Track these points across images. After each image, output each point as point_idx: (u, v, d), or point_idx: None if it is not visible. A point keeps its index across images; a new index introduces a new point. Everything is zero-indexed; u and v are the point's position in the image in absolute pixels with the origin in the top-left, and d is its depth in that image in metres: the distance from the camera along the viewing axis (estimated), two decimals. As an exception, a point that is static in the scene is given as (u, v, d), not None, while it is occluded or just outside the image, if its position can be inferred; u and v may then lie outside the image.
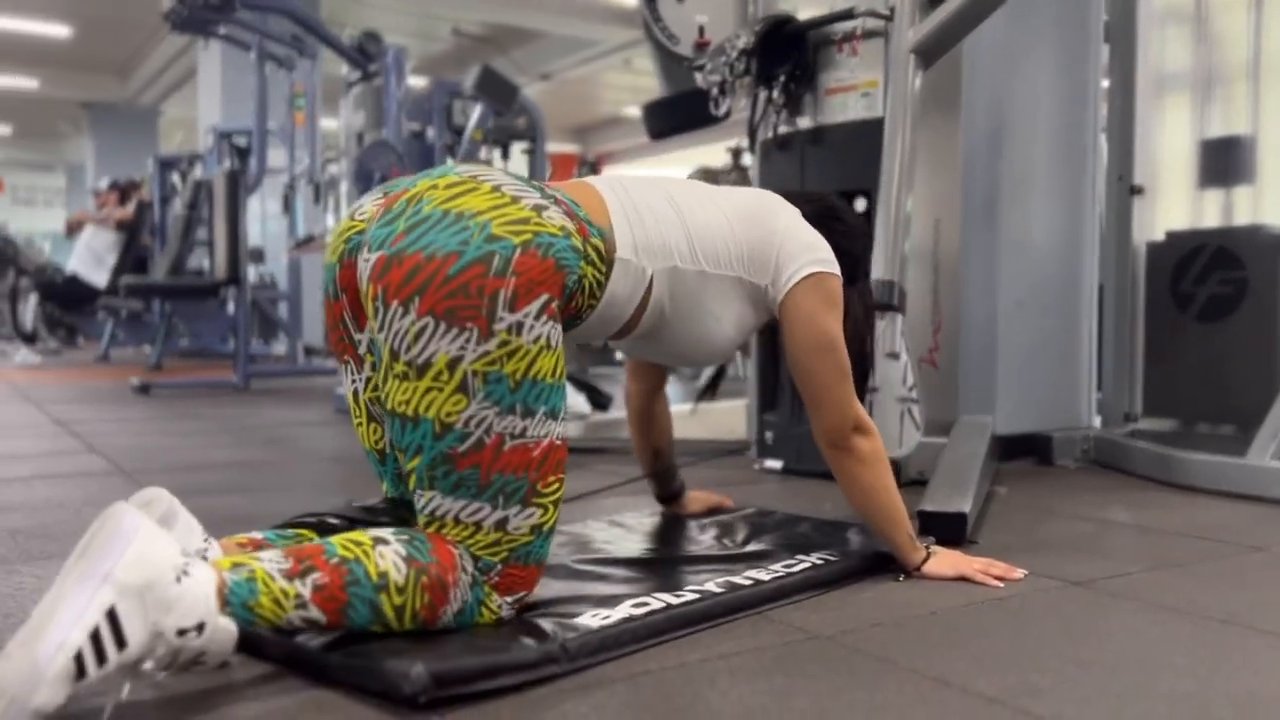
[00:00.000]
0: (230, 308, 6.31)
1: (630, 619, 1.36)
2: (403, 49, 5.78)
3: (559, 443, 1.32)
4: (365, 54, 5.70)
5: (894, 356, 2.13)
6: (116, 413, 4.43)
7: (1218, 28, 3.11)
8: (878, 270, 2.18)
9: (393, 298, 1.23)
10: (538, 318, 1.26)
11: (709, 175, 6.38)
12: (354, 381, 1.44)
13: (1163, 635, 1.43)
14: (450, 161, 5.28)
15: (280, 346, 8.06)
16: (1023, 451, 3.01)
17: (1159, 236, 3.17)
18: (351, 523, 1.41)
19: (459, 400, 1.24)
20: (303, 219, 6.82)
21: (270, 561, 1.14)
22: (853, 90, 2.71)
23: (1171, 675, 1.27)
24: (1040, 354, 3.01)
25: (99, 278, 8.33)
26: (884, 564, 1.73)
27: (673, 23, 3.13)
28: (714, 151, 8.38)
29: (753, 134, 2.92)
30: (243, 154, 7.46)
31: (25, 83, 15.06)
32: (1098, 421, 3.23)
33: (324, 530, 1.41)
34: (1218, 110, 3.12)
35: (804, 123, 2.80)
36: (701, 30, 3.06)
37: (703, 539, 1.84)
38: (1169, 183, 3.18)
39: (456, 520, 1.28)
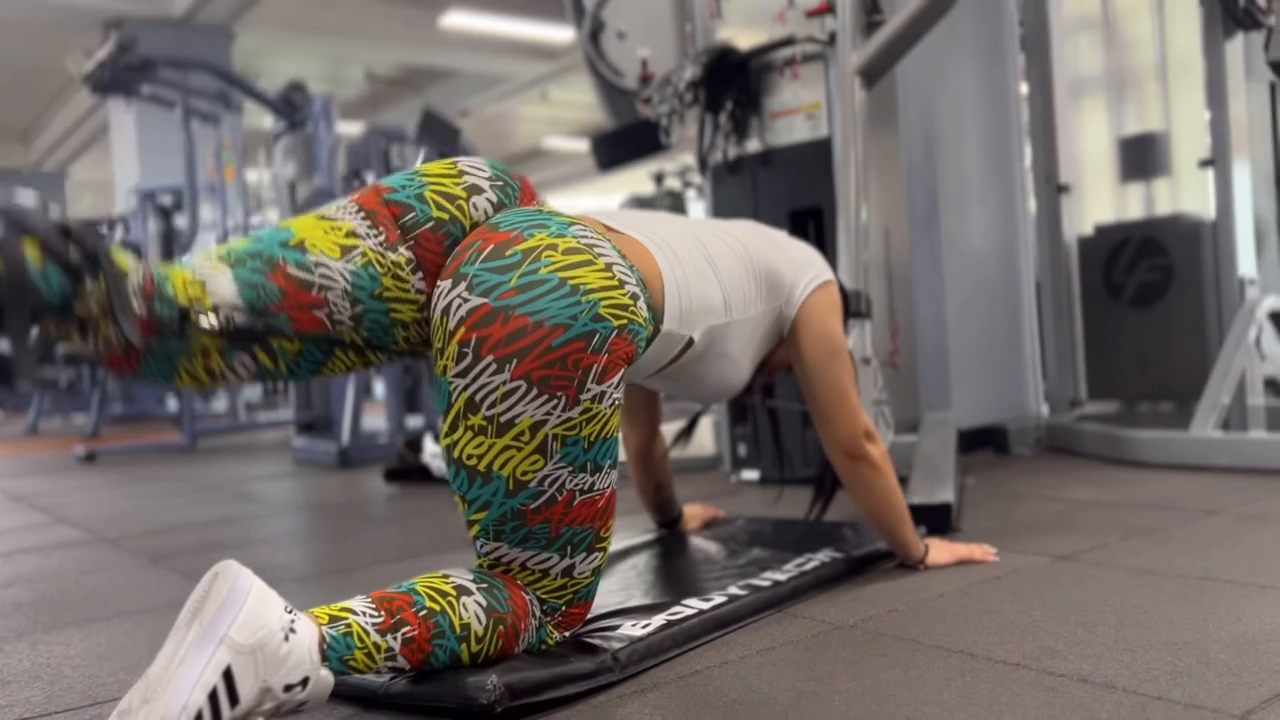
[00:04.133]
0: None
1: (669, 625, 1.44)
2: (329, 96, 5.81)
3: (615, 488, 1.38)
4: (291, 105, 5.73)
5: (865, 362, 2.25)
6: (70, 482, 4.36)
7: (1125, 33, 3.34)
8: (845, 280, 2.30)
9: (488, 352, 1.23)
10: (616, 388, 1.31)
11: (644, 203, 6.50)
12: (367, 235, 1.30)
13: (1152, 596, 1.56)
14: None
15: (220, 404, 7.94)
16: (981, 443, 3.17)
17: (1088, 231, 3.37)
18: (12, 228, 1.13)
19: (536, 460, 1.26)
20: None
21: (364, 615, 1.18)
22: (798, 113, 2.84)
23: (1168, 629, 1.39)
24: (988, 350, 3.18)
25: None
26: (884, 557, 1.83)
27: (616, 59, 3.24)
28: (635, 177, 8.53)
29: (703, 160, 3.04)
30: (167, 213, 7.39)
31: (-77, 153, 14.62)
32: (1046, 409, 3.41)
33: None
34: (1132, 109, 3.34)
35: (753, 146, 2.92)
36: (645, 64, 3.18)
37: (710, 549, 1.92)
38: (1093, 179, 3.39)
39: (523, 567, 1.34)
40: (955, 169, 3.10)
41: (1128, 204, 3.35)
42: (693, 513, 2.18)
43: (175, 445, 5.72)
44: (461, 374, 1.26)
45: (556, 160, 16.59)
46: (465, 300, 1.26)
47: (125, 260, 1.19)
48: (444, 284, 1.30)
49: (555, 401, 1.25)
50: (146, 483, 4.15)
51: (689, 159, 5.84)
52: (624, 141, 3.39)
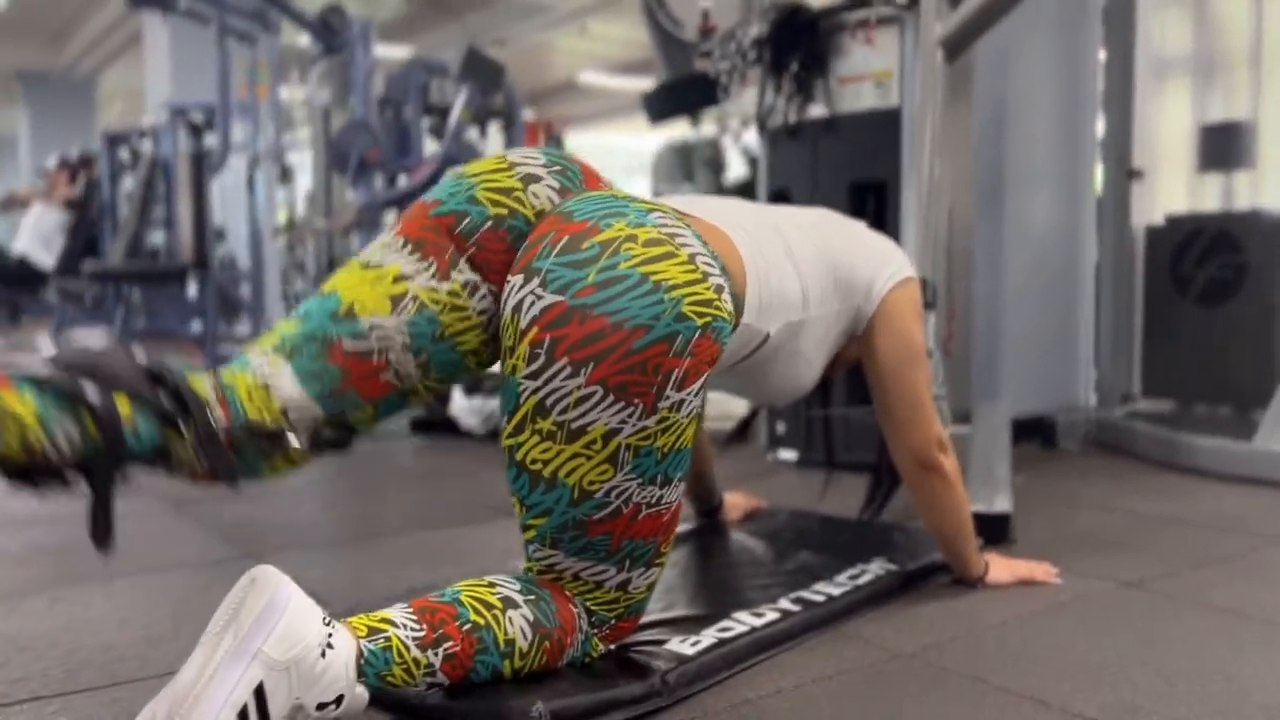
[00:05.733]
0: (192, 291, 6.16)
1: (720, 643, 1.35)
2: (369, 20, 5.64)
3: (681, 501, 1.30)
4: (329, 28, 5.56)
5: (928, 355, 2.13)
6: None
7: (1218, 12, 3.14)
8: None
9: (563, 354, 1.14)
10: (696, 394, 1.21)
11: (682, 151, 6.34)
12: (417, 271, 1.24)
13: (1235, 643, 1.46)
14: (430, 143, 5.14)
15: (243, 328, 7.88)
16: (1028, 434, 3.05)
17: (1158, 220, 3.22)
18: (109, 384, 1.11)
19: (605, 471, 1.18)
20: (264, 197, 6.65)
21: (405, 629, 1.10)
22: (866, 79, 2.69)
23: (1260, 688, 1.29)
24: (1041, 337, 3.05)
25: (47, 259, 8.08)
26: (939, 570, 1.74)
27: (676, 7, 3.09)
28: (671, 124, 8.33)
29: (762, 122, 2.89)
30: (198, 131, 7.25)
31: (-46, 52, 14.48)
32: (1094, 400, 3.29)
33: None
34: (1218, 95, 3.16)
35: (816, 111, 2.77)
36: (706, 16, 3.02)
37: (756, 549, 1.83)
38: (1168, 166, 3.23)
39: (576, 577, 1.25)
40: (1024, 143, 2.95)
41: (1203, 195, 3.19)
42: (734, 502, 2.09)
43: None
44: (533, 376, 1.16)
45: (590, 95, 16.30)
46: (539, 298, 1.16)
47: (203, 386, 1.17)
48: (515, 279, 1.19)
49: (632, 409, 1.15)
50: (168, 412, 4.10)
51: (729, 106, 5.68)
52: (678, 95, 3.24)
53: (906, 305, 1.59)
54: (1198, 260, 3.06)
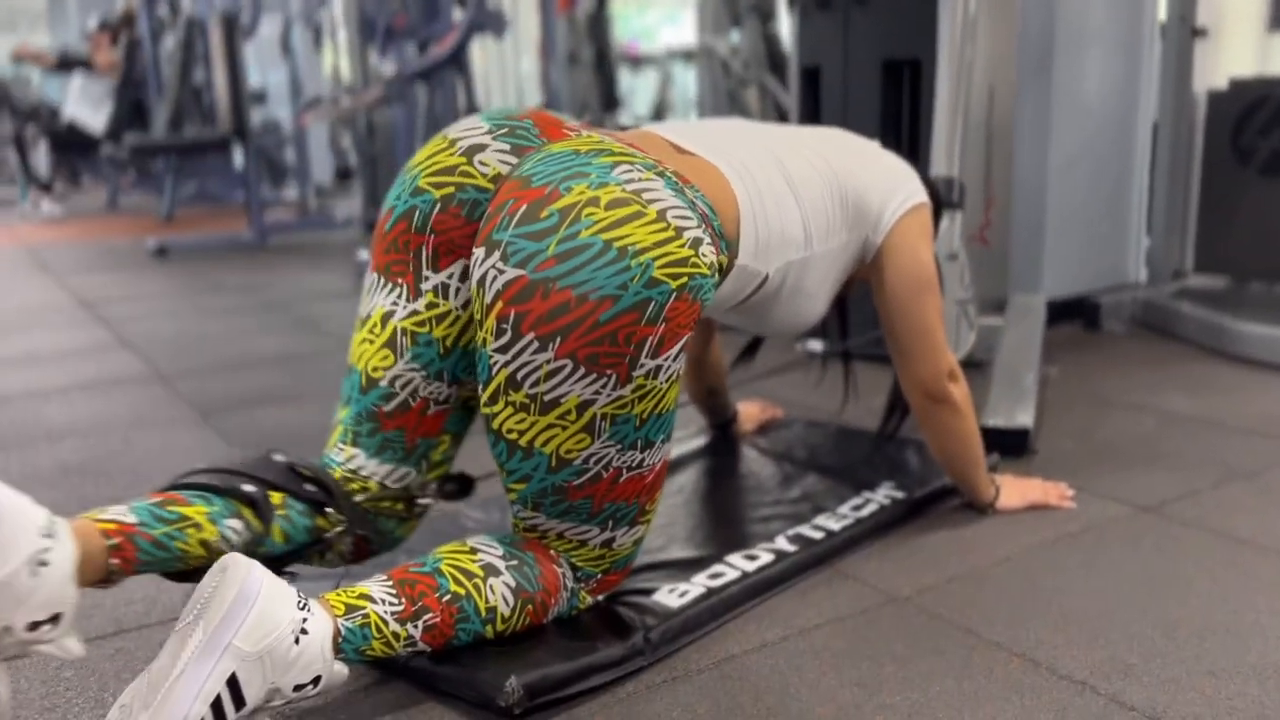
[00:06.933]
0: (238, 160, 6.14)
1: (708, 594, 1.35)
2: None
3: (668, 459, 1.27)
4: None
5: (953, 258, 2.04)
6: (139, 286, 4.38)
7: None
8: (938, 164, 2.06)
9: (529, 329, 1.11)
10: (675, 359, 1.17)
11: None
12: (394, 304, 1.27)
13: (1245, 583, 1.42)
14: (457, 10, 4.93)
15: (290, 191, 7.89)
16: (1070, 315, 2.95)
17: (1221, 84, 2.98)
18: (260, 483, 1.23)
19: (582, 439, 1.16)
20: (303, 63, 6.52)
21: (383, 604, 1.11)
22: (901, -55, 2.49)
23: (1260, 643, 1.26)
24: (1089, 211, 2.90)
25: (97, 124, 8.09)
26: (948, 494, 1.71)
27: None
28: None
29: (791, -9, 2.71)
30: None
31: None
32: (1144, 275, 3.14)
33: (213, 491, 1.20)
34: (1296, -56, 2.87)
35: (847, -20, 2.59)
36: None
37: (763, 472, 1.81)
38: (1235, 25, 2.97)
39: (560, 536, 1.25)
40: (1078, 6, 2.73)
41: (1273, 58, 2.94)
42: (748, 413, 2.06)
43: (244, 242, 5.71)
44: (501, 350, 1.13)
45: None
46: (501, 272, 1.12)
47: (338, 473, 1.31)
48: (478, 252, 1.16)
49: (605, 380, 1.12)
50: (212, 294, 4.15)
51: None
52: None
53: (917, 233, 1.51)
54: (1262, 129, 2.85)
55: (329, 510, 1.26)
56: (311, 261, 5.07)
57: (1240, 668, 1.21)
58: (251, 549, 1.20)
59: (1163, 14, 2.99)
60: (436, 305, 1.26)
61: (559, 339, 1.10)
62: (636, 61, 10.60)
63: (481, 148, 1.24)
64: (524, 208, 1.13)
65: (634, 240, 1.11)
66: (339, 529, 1.27)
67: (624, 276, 1.10)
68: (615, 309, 1.10)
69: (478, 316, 1.16)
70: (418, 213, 1.24)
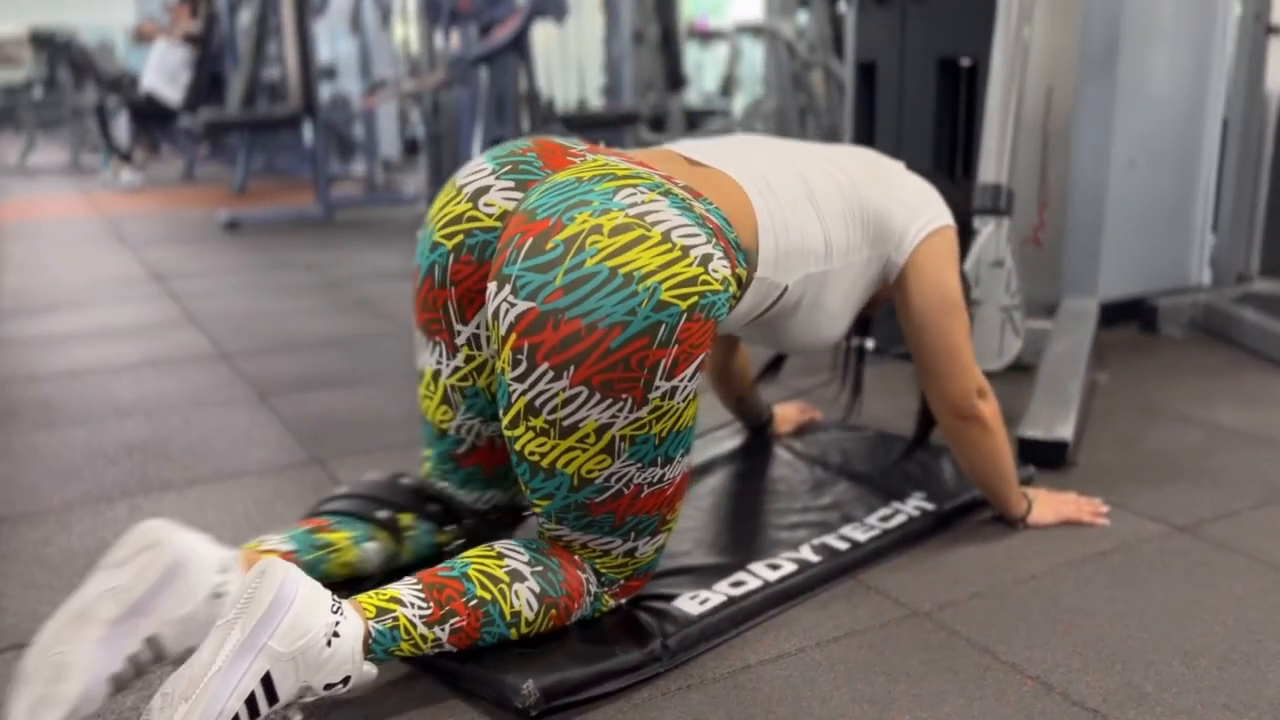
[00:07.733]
0: (307, 136, 6.26)
1: (729, 602, 1.38)
2: None
3: (688, 471, 1.30)
4: None
5: (999, 265, 2.02)
6: (209, 259, 4.51)
7: None
8: (986, 172, 2.04)
9: (543, 360, 1.14)
10: (691, 379, 1.19)
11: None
12: (439, 363, 1.37)
13: (1273, 611, 1.40)
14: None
15: (359, 166, 8.02)
16: (1127, 317, 2.90)
17: (1296, 83, 2.90)
18: (389, 506, 1.41)
19: (603, 460, 1.19)
20: (372, 39, 6.61)
21: (412, 608, 1.16)
22: (961, -59, 2.45)
23: (1278, 677, 1.26)
24: (1150, 212, 2.85)
25: (174, 95, 8.30)
26: (979, 506, 1.71)
27: None
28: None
29: (848, -14, 2.69)
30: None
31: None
32: (1208, 277, 3.08)
33: (353, 517, 1.39)
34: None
35: (905, -24, 2.56)
36: None
37: (794, 477, 1.83)
38: (1313, 22, 2.87)
39: (584, 546, 1.29)
40: (1146, 2, 2.67)
41: (1351, 57, 2.85)
42: (785, 415, 2.08)
43: (312, 217, 5.84)
44: (519, 379, 1.17)
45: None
46: (512, 305, 1.16)
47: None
48: (491, 286, 1.20)
49: (621, 404, 1.15)
50: (278, 271, 4.26)
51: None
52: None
53: (942, 255, 1.51)
54: (1336, 131, 2.76)
55: (449, 527, 1.45)
56: (377, 239, 5.17)
57: (1257, 701, 1.21)
58: (387, 565, 1.39)
59: (1237, 10, 2.91)
60: (474, 357, 1.34)
61: (572, 367, 1.14)
62: (706, 36, 10.54)
63: (486, 189, 1.29)
64: (530, 241, 1.17)
65: (639, 265, 1.14)
66: (458, 542, 1.44)
67: (631, 302, 1.13)
68: (625, 335, 1.13)
69: (494, 347, 1.21)
70: (437, 268, 1.31)
